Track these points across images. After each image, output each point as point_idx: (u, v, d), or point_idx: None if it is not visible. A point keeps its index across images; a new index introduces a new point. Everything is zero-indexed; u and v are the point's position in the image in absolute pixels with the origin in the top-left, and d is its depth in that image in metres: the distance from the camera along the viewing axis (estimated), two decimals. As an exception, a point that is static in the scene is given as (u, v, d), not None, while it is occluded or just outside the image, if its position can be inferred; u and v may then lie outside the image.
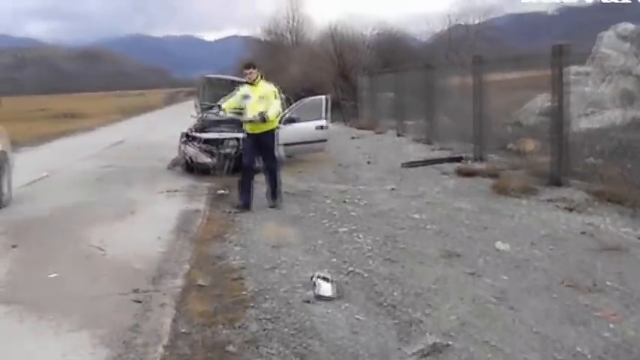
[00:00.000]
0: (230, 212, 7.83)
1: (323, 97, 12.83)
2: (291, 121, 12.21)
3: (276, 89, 8.23)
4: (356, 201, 8.25)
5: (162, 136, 18.47)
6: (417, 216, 7.22)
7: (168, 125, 21.80)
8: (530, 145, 12.87)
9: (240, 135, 11.14)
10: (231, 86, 12.95)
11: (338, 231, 6.68)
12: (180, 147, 11.53)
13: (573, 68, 14.98)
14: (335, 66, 29.56)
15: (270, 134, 8.16)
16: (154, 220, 7.58)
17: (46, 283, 5.22)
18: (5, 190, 8.75)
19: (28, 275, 5.49)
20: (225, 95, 12.99)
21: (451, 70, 17.01)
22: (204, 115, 12.43)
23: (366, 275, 5.12)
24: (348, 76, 28.51)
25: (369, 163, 12.12)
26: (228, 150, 11.08)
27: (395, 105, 19.18)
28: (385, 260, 5.56)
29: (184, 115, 28.81)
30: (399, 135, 17.93)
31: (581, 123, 12.87)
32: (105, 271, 5.48)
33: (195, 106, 12.99)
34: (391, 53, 31.56)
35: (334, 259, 5.63)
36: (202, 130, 11.64)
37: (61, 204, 8.64)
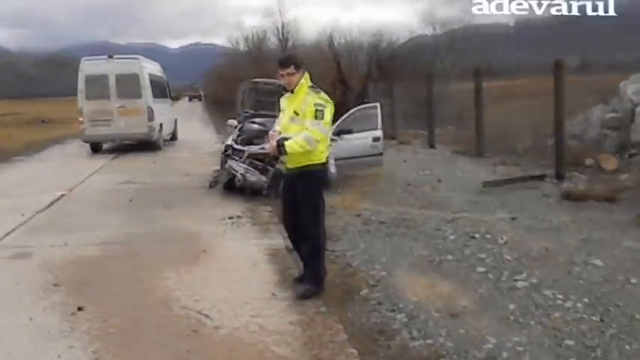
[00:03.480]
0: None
1: (377, 104, 11.09)
2: (343, 133, 10.46)
3: (324, 103, 4.73)
4: (487, 237, 6.51)
5: (167, 147, 16.72)
6: (597, 262, 5.53)
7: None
8: (612, 162, 11.44)
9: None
10: (279, 92, 11.14)
11: (516, 287, 4.95)
12: (223, 162, 9.62)
13: (638, 76, 13.66)
14: (334, 72, 27.79)
15: (307, 176, 4.83)
16: (242, 264, 5.75)
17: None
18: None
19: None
20: (271, 103, 11.22)
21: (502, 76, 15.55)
22: (244, 125, 10.56)
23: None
24: (348, 82, 26.81)
25: (439, 181, 10.39)
26: (281, 166, 9.21)
27: (424, 114, 17.58)
28: (643, 342, 3.83)
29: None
30: (431, 146, 16.33)
31: None
32: (241, 363, 3.62)
33: (239, 114, 11.10)
34: (391, 60, 29.92)
35: (569, 341, 3.91)
36: (249, 142, 9.75)
37: (107, 237, 6.77)
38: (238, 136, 10.01)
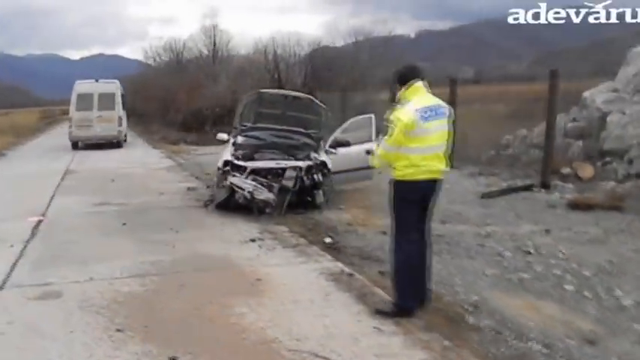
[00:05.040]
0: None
1: (371, 115, 10.78)
2: (340, 144, 10.09)
3: (394, 119, 4.49)
4: (542, 252, 6.38)
5: (112, 163, 15.85)
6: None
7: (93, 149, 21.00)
8: (589, 170, 11.74)
9: (300, 163, 8.95)
10: (285, 103, 10.51)
11: (623, 305, 4.81)
12: (220, 179, 8.95)
13: (605, 85, 14.14)
14: (273, 83, 27.39)
15: (391, 187, 4.75)
16: (313, 293, 5.24)
17: None
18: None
19: None
20: (276, 116, 10.56)
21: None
22: (236, 139, 9.94)
23: None
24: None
25: (435, 193, 10.20)
26: (287, 182, 8.72)
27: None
28: None
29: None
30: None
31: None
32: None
33: (234, 127, 10.42)
34: (327, 70, 29.80)
35: None
36: (250, 158, 9.16)
37: (134, 268, 6.01)
38: (236, 150, 9.37)
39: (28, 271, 5.98)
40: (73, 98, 21.45)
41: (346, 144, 10.01)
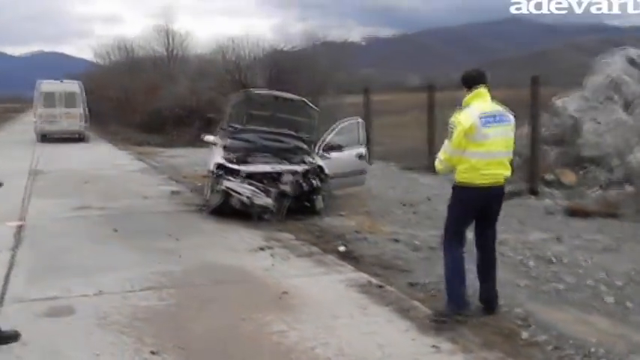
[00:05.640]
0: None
1: (359, 119, 10.62)
2: (332, 148, 9.84)
3: (455, 122, 4.49)
4: (564, 261, 6.27)
5: (81, 164, 15.21)
6: None
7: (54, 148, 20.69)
8: (571, 177, 11.85)
9: (298, 167, 8.68)
10: (276, 105, 10.11)
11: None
12: (214, 183, 8.54)
13: (576, 94, 14.29)
14: (234, 84, 26.83)
15: (452, 191, 4.81)
16: (349, 308, 4.97)
17: None
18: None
19: None
20: (266, 117, 10.16)
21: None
22: (224, 141, 9.54)
23: None
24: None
25: (429, 199, 10.11)
26: (286, 187, 8.42)
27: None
28: None
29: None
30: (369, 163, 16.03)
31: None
32: None
33: (222, 129, 9.99)
34: (290, 73, 29.42)
35: None
36: (244, 161, 8.80)
37: (144, 280, 5.59)
38: (227, 153, 8.98)
39: (26, 283, 5.47)
40: (38, 96, 23.81)
41: (338, 148, 9.77)
